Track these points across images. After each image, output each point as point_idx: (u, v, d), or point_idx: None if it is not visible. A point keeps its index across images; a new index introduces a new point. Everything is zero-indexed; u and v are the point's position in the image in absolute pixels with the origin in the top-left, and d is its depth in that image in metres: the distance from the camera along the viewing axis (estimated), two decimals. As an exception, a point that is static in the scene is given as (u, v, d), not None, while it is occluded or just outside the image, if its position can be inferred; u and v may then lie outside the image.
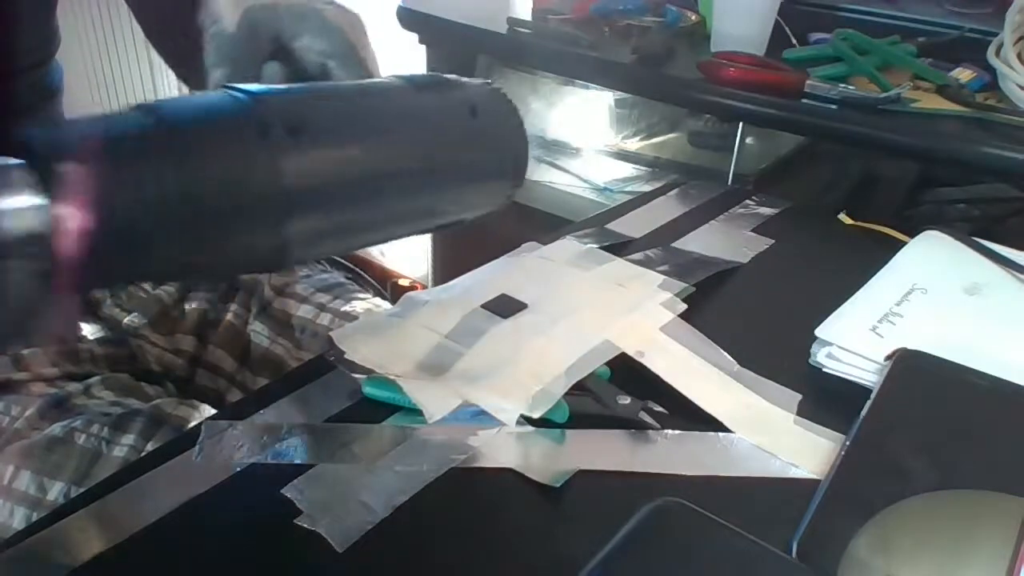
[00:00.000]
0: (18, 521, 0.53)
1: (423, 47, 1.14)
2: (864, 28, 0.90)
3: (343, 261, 0.81)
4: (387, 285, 1.75)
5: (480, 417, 0.40)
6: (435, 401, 0.40)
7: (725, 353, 0.47)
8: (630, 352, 0.44)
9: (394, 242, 0.39)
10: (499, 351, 0.44)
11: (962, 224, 0.75)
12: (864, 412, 0.40)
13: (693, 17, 1.05)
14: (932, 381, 0.43)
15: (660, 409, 0.41)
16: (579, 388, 0.42)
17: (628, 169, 1.13)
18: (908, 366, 0.43)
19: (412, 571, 0.34)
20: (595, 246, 0.57)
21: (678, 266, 0.55)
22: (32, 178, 0.26)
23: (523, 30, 1.00)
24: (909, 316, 0.49)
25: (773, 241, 0.62)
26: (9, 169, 0.26)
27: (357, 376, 0.43)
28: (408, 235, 0.39)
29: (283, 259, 0.33)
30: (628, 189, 1.09)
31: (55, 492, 0.53)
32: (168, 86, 1.97)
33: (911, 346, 0.45)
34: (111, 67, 2.06)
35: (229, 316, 0.72)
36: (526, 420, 0.40)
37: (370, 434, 0.40)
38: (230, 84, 0.33)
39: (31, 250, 0.26)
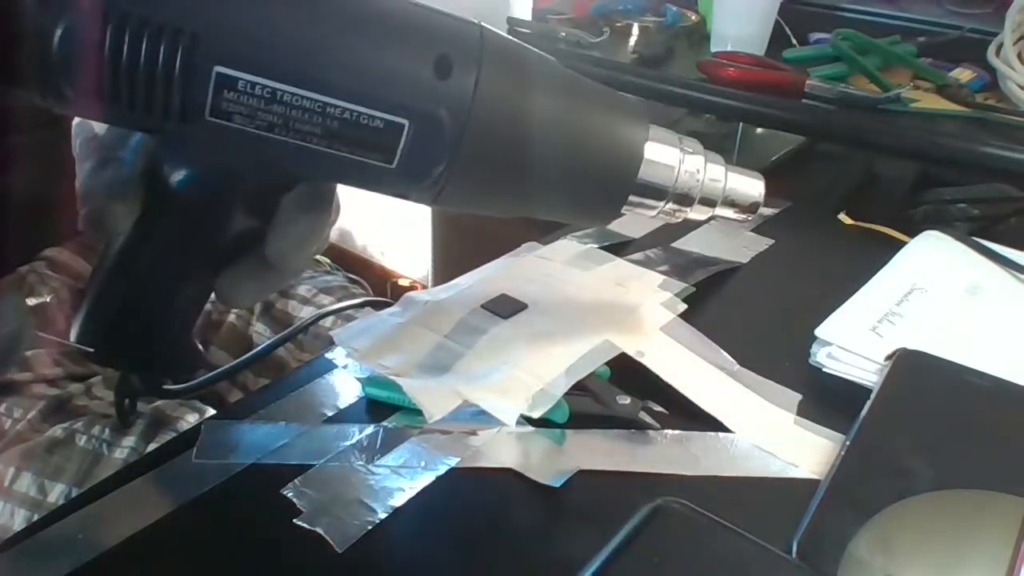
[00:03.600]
0: (19, 523, 0.53)
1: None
2: (864, 28, 0.89)
3: (343, 270, 0.81)
4: (387, 285, 1.75)
5: (480, 417, 0.40)
6: (435, 401, 0.40)
7: (725, 353, 0.47)
8: (630, 352, 0.44)
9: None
10: (499, 351, 0.44)
11: (962, 224, 0.75)
12: (864, 412, 0.40)
13: (693, 17, 1.05)
14: (932, 381, 0.43)
15: (660, 409, 0.41)
16: (579, 388, 0.42)
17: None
18: (908, 366, 0.43)
19: (412, 571, 0.34)
20: (595, 246, 0.57)
21: (678, 266, 0.55)
22: None
23: (523, 30, 1.00)
24: (909, 316, 0.49)
25: (773, 241, 0.62)
26: None
27: (357, 376, 0.43)
28: None
29: None
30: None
31: (56, 494, 0.53)
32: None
33: (911, 346, 0.45)
34: None
35: (231, 317, 0.72)
36: (526, 420, 0.40)
37: (370, 434, 0.40)
38: None
39: None
